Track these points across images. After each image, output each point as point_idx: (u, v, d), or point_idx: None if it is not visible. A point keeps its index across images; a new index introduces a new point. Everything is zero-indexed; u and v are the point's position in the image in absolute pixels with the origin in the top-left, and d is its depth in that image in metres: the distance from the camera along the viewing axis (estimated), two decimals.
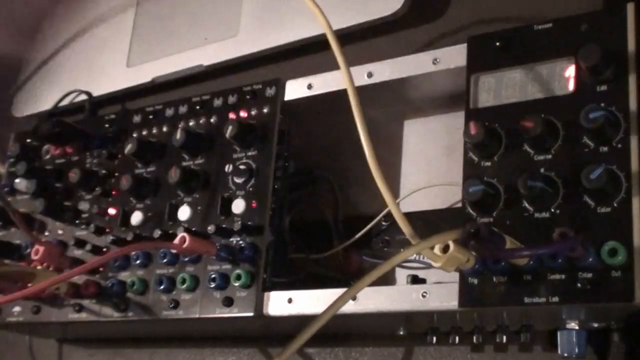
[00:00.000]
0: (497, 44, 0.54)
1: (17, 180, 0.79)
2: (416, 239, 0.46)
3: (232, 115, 0.68)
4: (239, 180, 0.64)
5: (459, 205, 0.53)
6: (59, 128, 0.77)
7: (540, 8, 0.63)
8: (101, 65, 0.90)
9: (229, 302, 0.61)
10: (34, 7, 1.01)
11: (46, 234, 0.77)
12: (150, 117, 0.74)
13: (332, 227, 0.68)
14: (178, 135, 0.68)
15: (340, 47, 0.48)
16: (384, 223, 0.65)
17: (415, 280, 0.59)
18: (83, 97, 0.88)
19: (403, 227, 0.46)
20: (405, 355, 0.62)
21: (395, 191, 0.67)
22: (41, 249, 0.71)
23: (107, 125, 0.78)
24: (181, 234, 0.62)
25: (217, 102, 0.70)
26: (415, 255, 0.61)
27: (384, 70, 0.62)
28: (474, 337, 0.56)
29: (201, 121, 0.70)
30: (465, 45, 0.57)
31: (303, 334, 0.44)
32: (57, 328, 0.77)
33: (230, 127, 0.65)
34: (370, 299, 0.55)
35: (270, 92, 0.67)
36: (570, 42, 0.51)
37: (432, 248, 0.47)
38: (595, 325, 0.51)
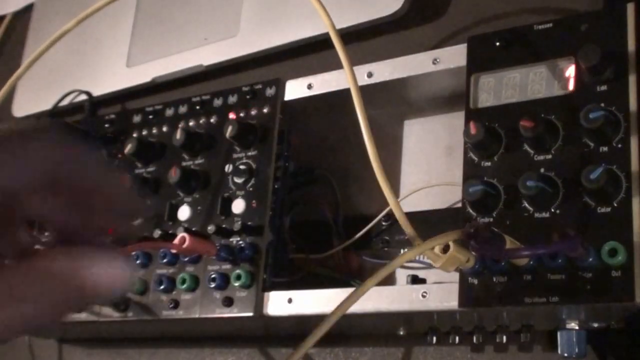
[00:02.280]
0: (497, 44, 0.54)
1: None
2: (418, 241, 0.46)
3: (232, 115, 0.68)
4: (239, 180, 0.64)
5: (459, 205, 0.53)
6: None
7: (540, 8, 0.63)
8: (101, 65, 0.90)
9: (229, 302, 0.61)
10: None
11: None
12: (150, 117, 0.74)
13: (332, 227, 0.68)
14: (178, 135, 0.68)
15: (343, 46, 0.48)
16: (383, 223, 0.65)
17: (415, 280, 0.59)
18: (83, 97, 0.88)
19: (405, 229, 0.46)
20: (405, 355, 0.62)
21: (395, 191, 0.67)
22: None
23: (107, 125, 0.78)
24: (181, 234, 0.61)
25: (217, 102, 0.70)
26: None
27: (384, 70, 0.62)
28: (474, 337, 0.56)
29: (201, 121, 0.70)
30: (465, 45, 0.57)
31: (312, 336, 0.44)
32: (57, 328, 0.77)
33: (230, 127, 0.65)
34: (370, 299, 0.55)
35: (270, 92, 0.67)
36: (570, 42, 0.51)
37: (433, 248, 0.47)
38: (595, 325, 0.51)
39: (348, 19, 0.70)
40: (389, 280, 0.64)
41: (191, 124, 0.71)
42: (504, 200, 0.51)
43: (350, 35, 0.69)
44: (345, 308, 0.44)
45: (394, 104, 0.66)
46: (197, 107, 0.71)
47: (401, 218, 0.46)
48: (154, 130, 0.73)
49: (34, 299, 0.36)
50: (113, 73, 0.88)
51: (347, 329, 0.64)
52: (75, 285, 0.37)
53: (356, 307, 0.53)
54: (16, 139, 0.36)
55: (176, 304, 0.64)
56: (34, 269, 0.37)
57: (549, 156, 0.50)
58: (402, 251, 0.63)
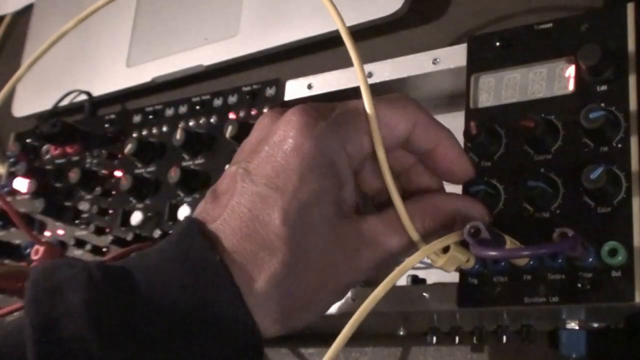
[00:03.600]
0: (497, 44, 0.54)
1: (17, 180, 0.79)
2: (422, 243, 0.46)
3: (232, 115, 0.68)
4: None
5: None
6: (59, 128, 0.77)
7: (540, 8, 0.63)
8: (101, 65, 0.90)
9: None
10: None
11: (46, 234, 0.77)
12: (150, 117, 0.74)
13: None
14: (178, 135, 0.68)
15: (354, 44, 0.48)
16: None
17: (415, 280, 0.59)
18: (83, 97, 0.88)
19: (410, 232, 0.46)
20: (405, 355, 0.62)
21: None
22: (41, 249, 0.71)
23: (107, 125, 0.78)
24: None
25: (217, 102, 0.70)
26: None
27: (384, 70, 0.62)
28: (474, 337, 0.56)
29: (201, 121, 0.70)
30: (465, 45, 0.57)
31: (339, 341, 0.44)
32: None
33: (230, 127, 0.65)
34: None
35: (270, 92, 0.67)
36: (570, 42, 0.51)
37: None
38: (595, 325, 0.51)
39: (348, 19, 0.69)
40: None
41: (191, 124, 0.71)
42: (504, 200, 0.51)
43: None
44: (368, 308, 0.45)
45: None
46: (197, 107, 0.71)
47: (406, 221, 0.46)
48: (154, 130, 0.73)
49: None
50: (113, 73, 0.88)
51: None
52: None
53: (356, 307, 0.53)
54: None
55: None
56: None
57: (549, 156, 0.50)
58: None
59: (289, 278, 0.44)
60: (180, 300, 0.41)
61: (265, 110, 0.66)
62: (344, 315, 0.54)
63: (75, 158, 0.79)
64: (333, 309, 0.57)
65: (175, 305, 0.41)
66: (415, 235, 0.46)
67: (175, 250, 0.43)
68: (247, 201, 0.44)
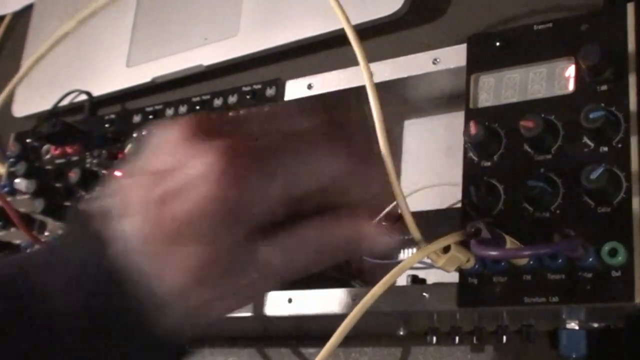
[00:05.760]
0: (497, 44, 0.54)
1: (17, 180, 0.79)
2: (423, 243, 0.46)
3: None
4: None
5: (459, 205, 0.53)
6: (59, 128, 0.77)
7: (540, 8, 0.63)
8: (101, 65, 0.90)
9: None
10: None
11: (46, 234, 0.77)
12: (150, 117, 0.74)
13: None
14: None
15: (361, 43, 0.48)
16: (384, 223, 0.65)
17: (415, 280, 0.59)
18: (83, 97, 0.88)
19: (412, 232, 0.46)
20: (404, 355, 0.62)
21: None
22: None
23: (107, 125, 0.78)
24: None
25: (217, 102, 0.70)
26: None
27: (384, 70, 0.62)
28: (474, 337, 0.56)
29: None
30: (465, 45, 0.57)
31: (335, 338, 0.44)
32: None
33: None
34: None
35: (270, 92, 0.67)
36: (570, 42, 0.51)
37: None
38: (595, 325, 0.51)
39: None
40: None
41: None
42: (504, 200, 0.51)
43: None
44: (366, 306, 0.45)
45: (394, 104, 0.66)
46: (197, 107, 0.71)
47: (409, 220, 0.46)
48: None
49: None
50: (113, 73, 0.88)
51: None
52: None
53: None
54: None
55: None
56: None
57: (549, 156, 0.50)
58: (402, 252, 0.63)
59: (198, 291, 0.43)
60: (87, 305, 0.41)
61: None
62: (345, 315, 0.54)
63: (75, 158, 0.79)
64: (334, 308, 0.57)
65: (80, 310, 0.41)
66: (417, 235, 0.46)
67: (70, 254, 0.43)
68: (156, 233, 0.41)
